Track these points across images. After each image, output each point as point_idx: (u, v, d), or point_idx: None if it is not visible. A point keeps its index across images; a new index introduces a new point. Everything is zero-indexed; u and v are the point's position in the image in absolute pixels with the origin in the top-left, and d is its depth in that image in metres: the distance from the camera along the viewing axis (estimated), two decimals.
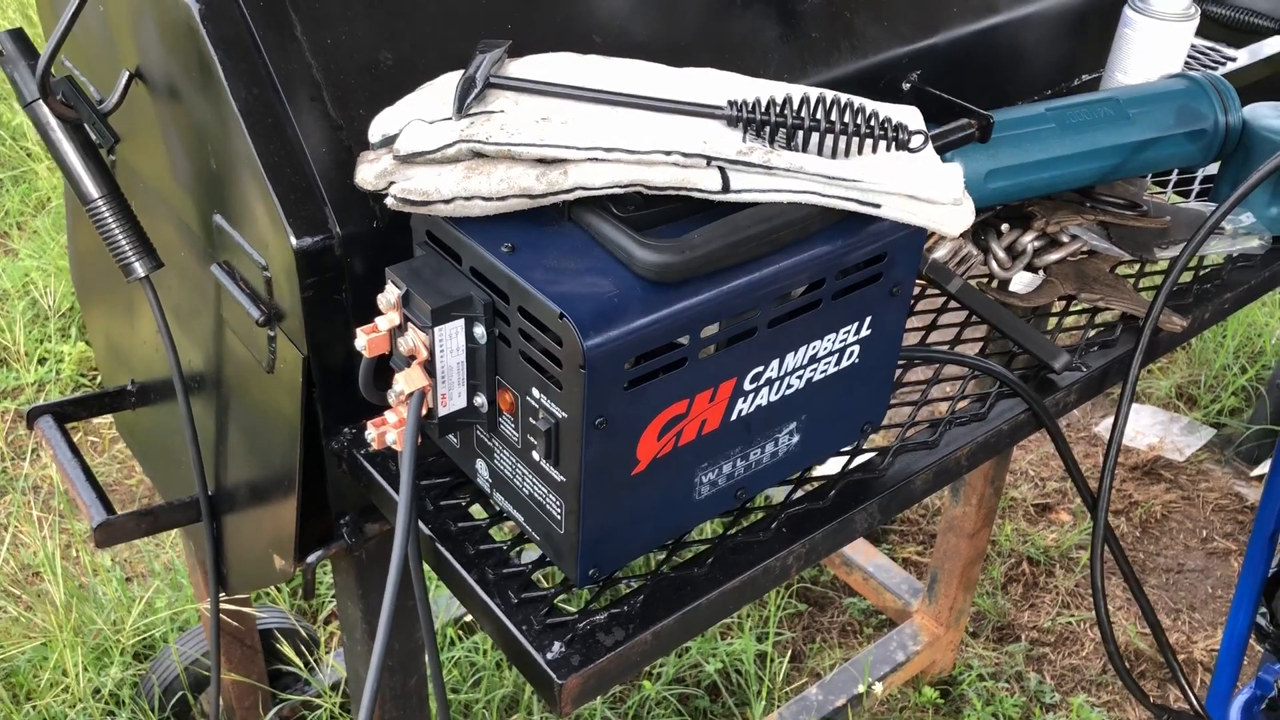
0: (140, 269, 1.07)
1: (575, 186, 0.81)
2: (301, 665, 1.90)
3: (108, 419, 2.49)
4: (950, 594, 2.10)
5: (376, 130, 0.86)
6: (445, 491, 0.97)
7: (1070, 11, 1.40)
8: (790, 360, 0.89)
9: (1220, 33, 2.01)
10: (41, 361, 3.01)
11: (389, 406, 0.87)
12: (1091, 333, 1.19)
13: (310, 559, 1.06)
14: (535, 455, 0.84)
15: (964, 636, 2.30)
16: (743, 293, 0.81)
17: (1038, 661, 2.34)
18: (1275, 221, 1.35)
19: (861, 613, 2.41)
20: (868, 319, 0.92)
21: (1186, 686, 1.35)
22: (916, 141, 0.85)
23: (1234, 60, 1.60)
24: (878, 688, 2.03)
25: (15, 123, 3.72)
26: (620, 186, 0.81)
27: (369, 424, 0.86)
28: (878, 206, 0.83)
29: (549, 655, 0.83)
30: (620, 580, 0.90)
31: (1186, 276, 1.31)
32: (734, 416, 0.88)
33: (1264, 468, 2.77)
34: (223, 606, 1.68)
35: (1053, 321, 1.23)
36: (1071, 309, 1.23)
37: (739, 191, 0.82)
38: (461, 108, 0.82)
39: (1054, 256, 1.27)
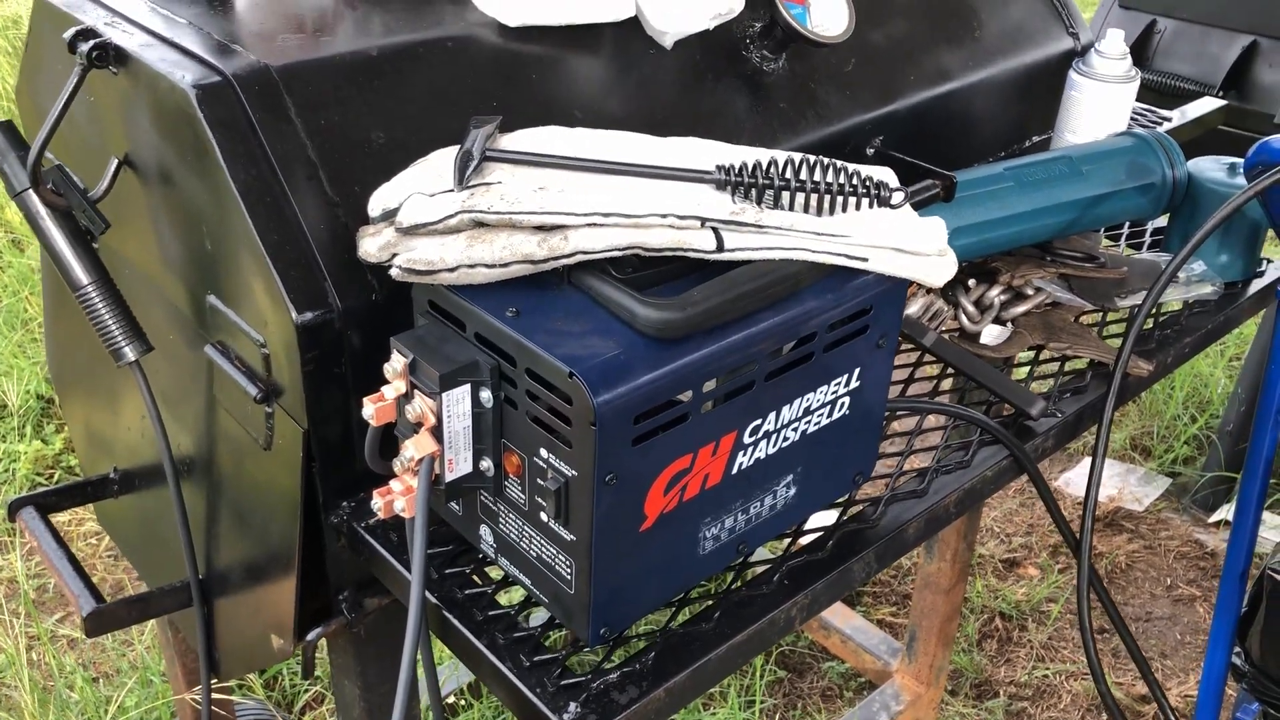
0: (131, 353, 1.08)
1: (576, 251, 0.83)
2: None
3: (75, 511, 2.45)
4: (930, 651, 2.11)
5: (376, 205, 0.88)
6: (449, 559, 0.98)
7: (1020, 76, 1.47)
8: (786, 413, 0.91)
9: (1152, 97, 2.12)
10: None
11: (393, 475, 0.88)
12: (1063, 380, 1.24)
13: (310, 636, 1.05)
14: (543, 516, 0.85)
15: (943, 695, 2.31)
16: (741, 347, 0.84)
17: (1017, 716, 2.35)
18: (1225, 268, 1.42)
19: (841, 675, 2.41)
20: (856, 370, 0.95)
21: None
22: (897, 198, 0.88)
23: (1169, 120, 1.68)
24: None
25: None
26: (619, 249, 0.84)
27: (375, 493, 0.87)
28: (865, 260, 0.86)
29: (565, 716, 0.84)
30: (630, 638, 0.91)
31: (1148, 324, 1.36)
32: (735, 470, 0.90)
33: (1221, 513, 2.84)
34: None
35: (1023, 371, 1.27)
36: (1041, 358, 1.28)
37: (733, 250, 0.85)
38: (462, 180, 0.85)
39: (1021, 309, 1.32)
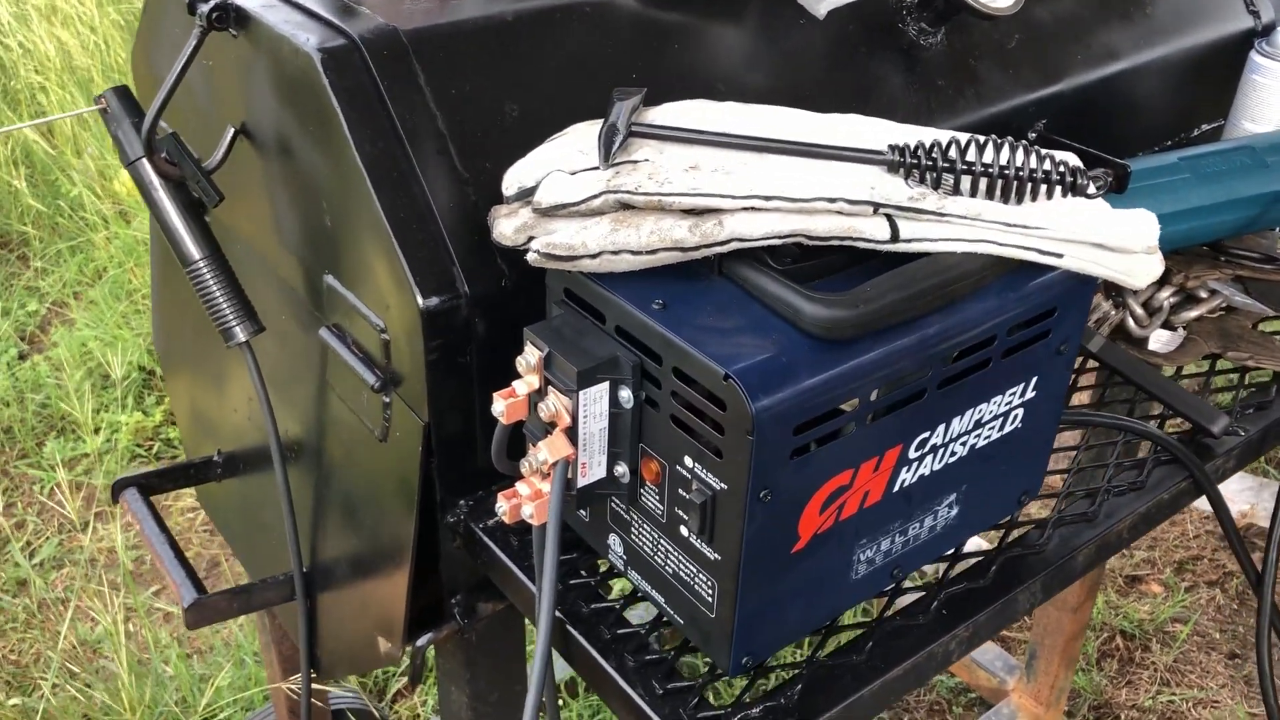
0: (241, 333, 1.02)
1: (731, 238, 0.75)
2: None
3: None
4: (1051, 671, 1.99)
5: (512, 182, 0.81)
6: (571, 569, 0.90)
7: (1193, 57, 1.34)
8: (956, 425, 0.82)
9: None
10: (98, 431, 2.98)
11: (520, 476, 0.81)
12: (1245, 393, 1.12)
13: (420, 642, 0.99)
14: (684, 531, 0.77)
15: (1061, 717, 2.18)
16: (915, 351, 0.75)
17: None
18: None
19: (950, 690, 2.30)
20: (1033, 379, 0.85)
21: None
22: (1094, 186, 0.78)
23: None
24: None
25: (74, 194, 3.74)
26: (779, 237, 0.75)
27: (499, 496, 0.80)
28: (1059, 256, 0.76)
29: None
30: (772, 668, 0.83)
31: None
32: (896, 488, 0.81)
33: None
34: (297, 686, 1.60)
35: (1194, 382, 1.15)
36: (1217, 368, 1.16)
37: (909, 241, 0.76)
38: (608, 156, 0.77)
39: (1194, 313, 1.20)
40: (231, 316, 1.01)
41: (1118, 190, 1.11)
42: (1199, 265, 1.22)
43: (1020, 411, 0.86)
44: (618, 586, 1.51)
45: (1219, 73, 1.38)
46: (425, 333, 0.84)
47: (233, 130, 1.01)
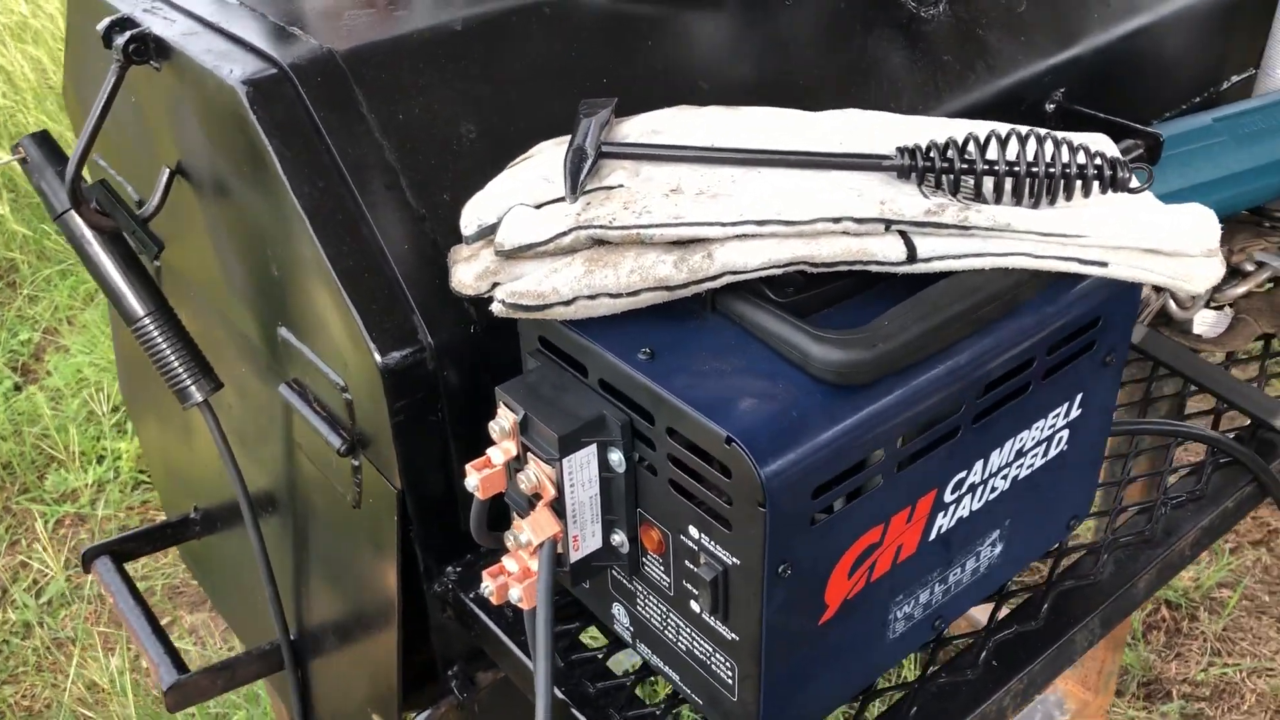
0: (198, 393, 0.93)
1: (723, 271, 0.65)
2: None
3: None
4: (1099, 655, 1.89)
5: (471, 220, 0.71)
6: (572, 641, 0.81)
7: (1218, 6, 1.22)
8: (995, 459, 0.72)
9: None
10: (99, 460, 2.90)
11: (506, 550, 0.71)
12: None
13: None
14: (695, 606, 0.68)
15: (1111, 700, 2.09)
16: (943, 387, 0.65)
17: (1195, 719, 2.12)
18: None
19: None
20: (1078, 396, 0.75)
21: None
22: (1138, 179, 0.68)
23: None
24: None
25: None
26: (778, 266, 0.65)
27: (485, 574, 0.70)
28: (1104, 265, 0.66)
29: None
30: None
31: None
32: (933, 535, 0.71)
33: None
34: None
35: (1251, 368, 1.05)
36: (1272, 351, 1.05)
37: (928, 260, 0.65)
38: (575, 186, 0.67)
39: (1240, 289, 1.09)
40: (185, 375, 0.92)
41: (1150, 161, 1.01)
42: (1242, 235, 1.11)
43: (1065, 433, 0.76)
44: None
45: (1248, 17, 1.26)
46: (388, 393, 0.75)
47: (168, 171, 0.91)
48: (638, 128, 0.75)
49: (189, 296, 1.01)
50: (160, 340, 0.92)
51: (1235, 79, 1.31)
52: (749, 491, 0.59)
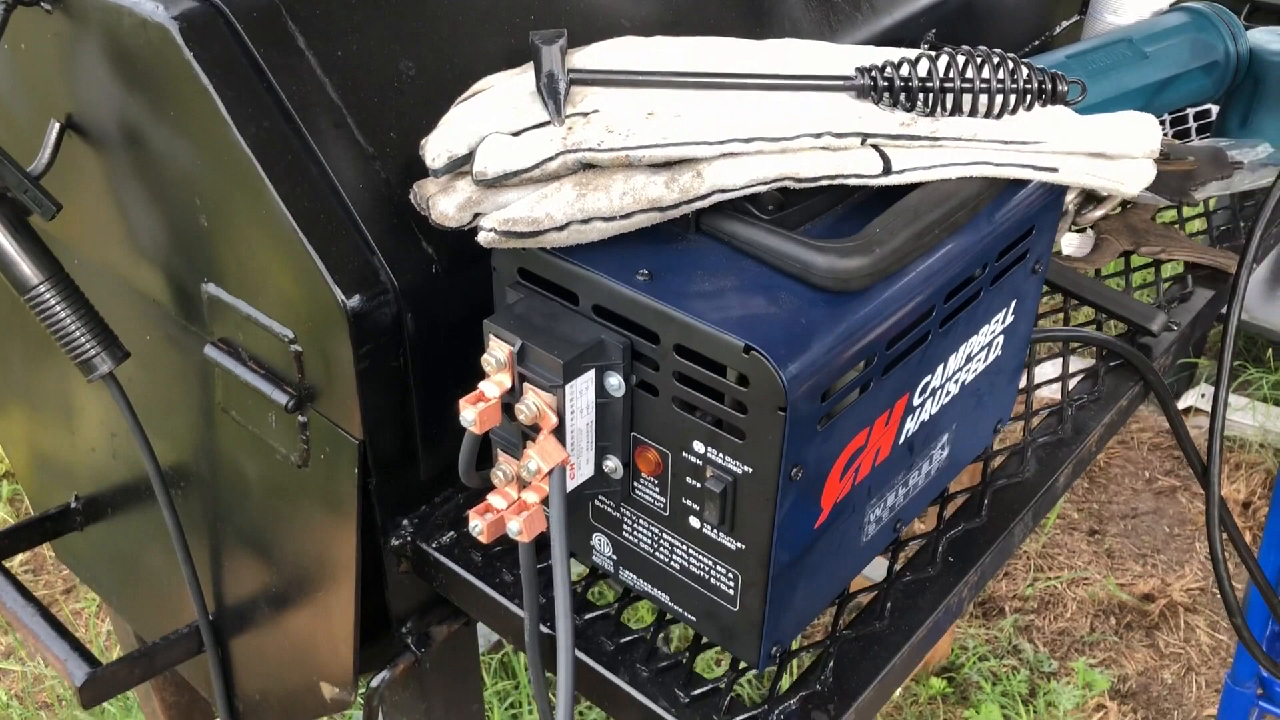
0: (104, 364, 0.87)
1: (713, 190, 0.66)
2: None
3: None
4: None
5: (439, 152, 0.69)
6: (546, 579, 0.80)
7: None
8: (952, 363, 0.76)
9: None
10: None
11: (490, 489, 0.70)
12: (1165, 288, 1.11)
13: (375, 683, 0.87)
14: (695, 522, 0.69)
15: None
16: (921, 291, 0.68)
17: (1027, 631, 2.29)
18: None
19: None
20: (1013, 303, 0.81)
21: None
22: (1074, 91, 0.73)
23: None
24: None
25: None
26: (764, 183, 0.67)
27: (472, 513, 0.69)
28: (1055, 171, 0.71)
29: None
30: (795, 653, 0.76)
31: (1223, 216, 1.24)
32: (902, 439, 0.75)
33: (1188, 400, 2.81)
34: None
35: (1117, 281, 1.14)
36: (1134, 265, 1.15)
37: (901, 172, 0.69)
38: (560, 109, 0.66)
39: (1098, 213, 1.18)
40: (90, 346, 0.86)
41: None
42: None
43: (1001, 339, 0.81)
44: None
45: None
46: (354, 338, 0.72)
47: (58, 125, 0.84)
48: (593, 57, 0.74)
49: (72, 268, 0.94)
50: (59, 308, 0.85)
51: (1064, 24, 1.42)
52: (769, 397, 0.60)
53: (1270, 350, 2.88)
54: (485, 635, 2.00)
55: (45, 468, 1.18)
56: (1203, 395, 2.77)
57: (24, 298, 0.85)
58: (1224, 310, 1.06)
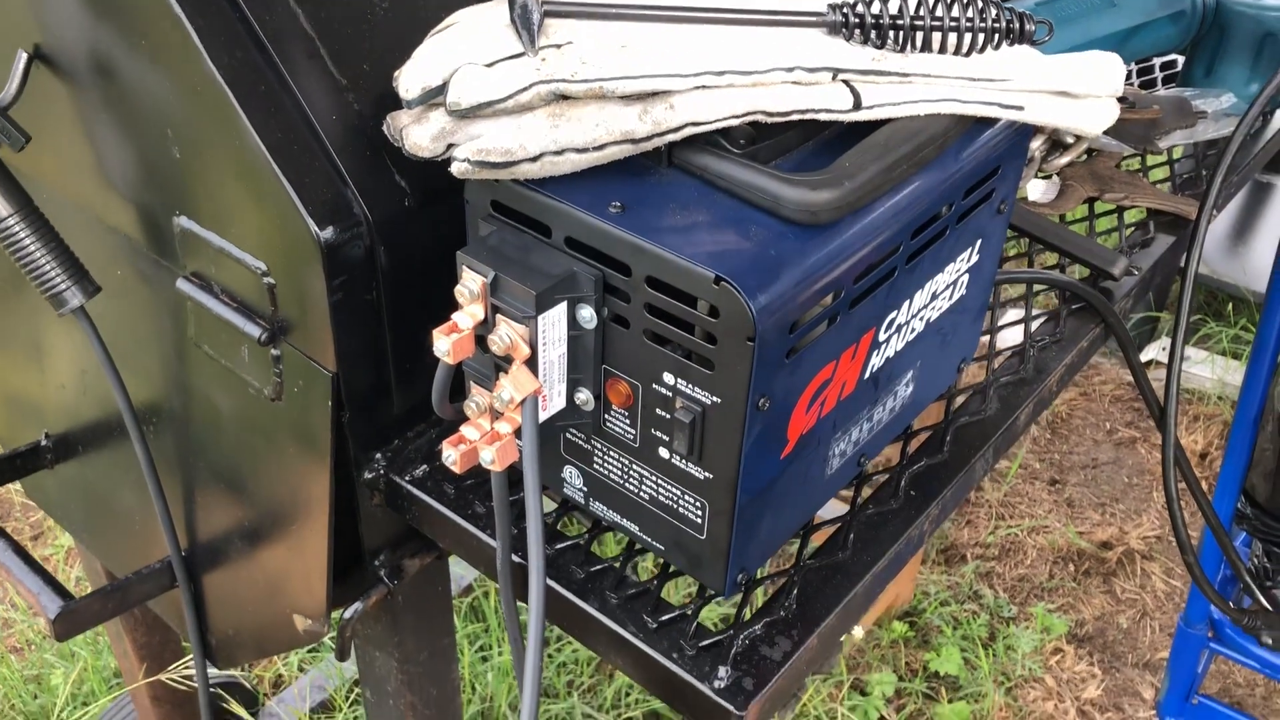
0: (74, 298, 0.87)
1: (685, 123, 0.67)
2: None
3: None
4: None
5: (413, 83, 0.69)
6: (519, 511, 0.82)
7: None
8: (918, 300, 0.78)
9: None
10: None
11: (462, 420, 0.72)
12: (1127, 232, 1.13)
13: (348, 614, 0.89)
14: (664, 453, 0.70)
15: (916, 565, 2.28)
16: (888, 226, 0.69)
17: (988, 577, 2.33)
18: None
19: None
20: (978, 243, 0.82)
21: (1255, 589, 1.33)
22: (1041, 31, 0.74)
23: None
24: (857, 631, 1.98)
25: None
26: (736, 117, 0.67)
27: (445, 444, 0.70)
28: (1021, 109, 0.72)
29: (717, 684, 0.70)
30: (760, 581, 0.78)
31: (1187, 164, 1.26)
32: (867, 374, 0.76)
33: (1150, 353, 2.86)
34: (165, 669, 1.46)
35: (1081, 227, 1.16)
36: (1097, 211, 1.17)
37: (871, 108, 0.69)
38: (534, 40, 0.67)
39: (1063, 160, 1.20)
40: (61, 280, 0.86)
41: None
42: None
43: (966, 278, 0.83)
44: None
45: None
46: (327, 270, 0.73)
47: (25, 55, 0.84)
48: None
49: (41, 202, 0.94)
50: (30, 241, 0.85)
51: None
52: (739, 327, 0.62)
53: (1230, 305, 2.92)
54: (455, 579, 2.02)
55: (14, 406, 1.18)
56: (1163, 349, 2.81)
57: None
58: (1185, 256, 1.08)
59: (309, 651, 2.04)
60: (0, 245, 0.85)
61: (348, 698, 1.86)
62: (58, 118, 0.86)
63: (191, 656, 1.43)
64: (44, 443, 1.13)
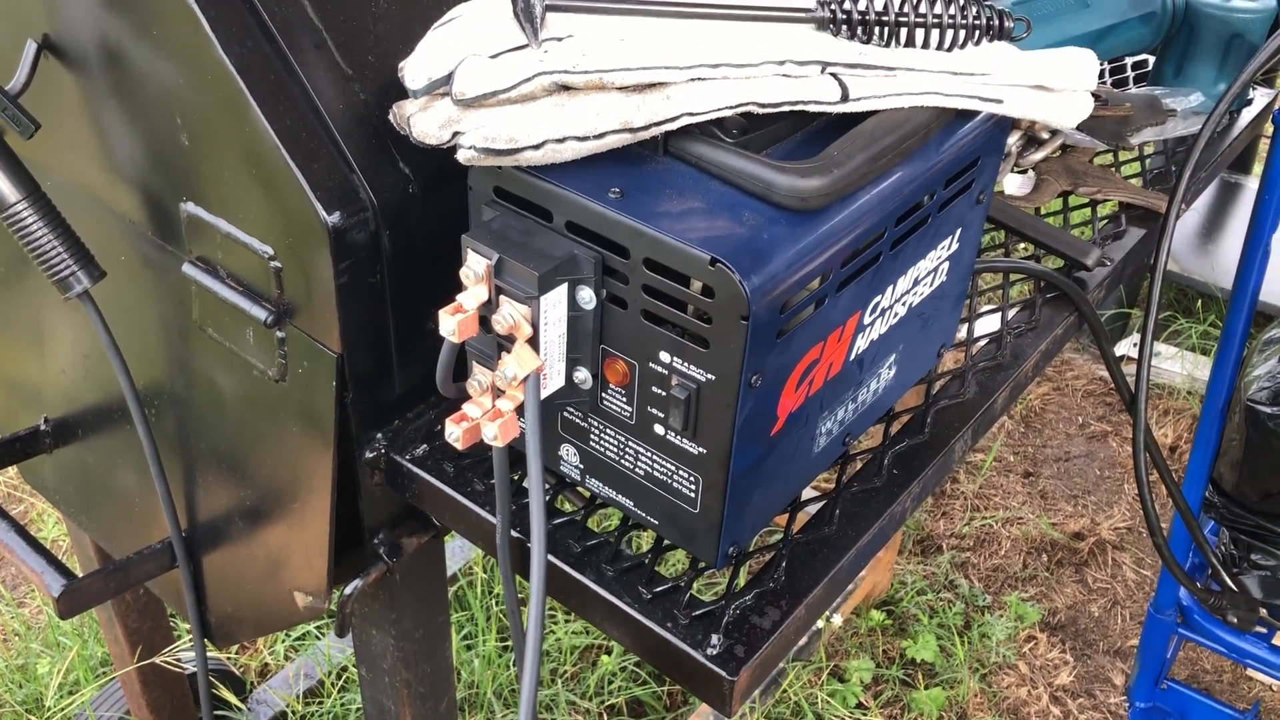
0: (81, 282, 0.89)
1: (681, 113, 0.70)
2: (238, 705, 1.71)
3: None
4: None
5: (419, 74, 0.72)
6: (517, 488, 0.85)
7: None
8: (901, 285, 0.81)
9: None
10: None
11: (465, 399, 0.74)
12: (1100, 225, 1.17)
13: (348, 591, 0.91)
14: (659, 429, 0.74)
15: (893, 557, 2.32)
16: (875, 213, 0.73)
17: (963, 567, 2.38)
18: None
19: None
20: (958, 231, 0.86)
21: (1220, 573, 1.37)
22: (1020, 28, 0.78)
23: None
24: (836, 619, 2.01)
25: None
26: (729, 108, 0.71)
27: (448, 421, 0.73)
28: (1000, 102, 0.76)
29: (710, 651, 0.73)
30: (751, 554, 0.81)
31: (1157, 159, 1.30)
32: (853, 356, 0.79)
33: (1122, 348, 2.91)
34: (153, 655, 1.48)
35: (1056, 219, 1.20)
36: (1070, 205, 1.21)
37: (858, 99, 0.73)
38: (537, 32, 0.69)
39: (1039, 155, 1.24)
40: (67, 264, 0.88)
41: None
42: None
43: (946, 265, 0.86)
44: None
45: None
46: (334, 253, 0.75)
47: (34, 45, 0.86)
48: None
49: (49, 189, 0.96)
50: (37, 226, 0.87)
51: None
52: (733, 307, 0.65)
53: (1199, 301, 2.98)
54: None
55: (13, 391, 1.19)
56: (1134, 344, 2.87)
57: (1, 216, 0.86)
58: (1156, 244, 1.12)
59: (296, 639, 2.06)
60: (8, 230, 0.87)
61: (335, 684, 1.88)
62: (66, 106, 0.89)
63: (181, 641, 1.45)
64: (43, 427, 1.15)
